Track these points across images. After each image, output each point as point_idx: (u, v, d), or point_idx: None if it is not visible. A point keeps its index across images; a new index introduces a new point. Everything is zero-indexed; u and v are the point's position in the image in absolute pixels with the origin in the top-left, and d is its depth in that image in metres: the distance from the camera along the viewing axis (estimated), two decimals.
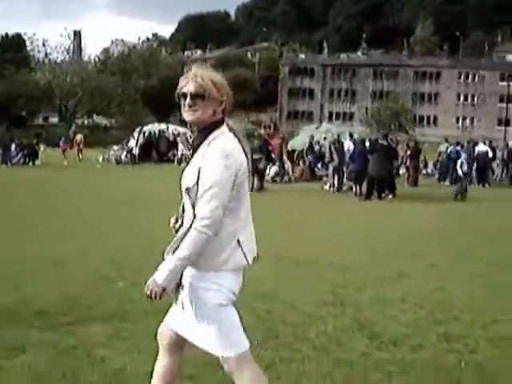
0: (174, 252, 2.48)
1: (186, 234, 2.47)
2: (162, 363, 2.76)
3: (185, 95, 2.56)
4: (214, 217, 2.44)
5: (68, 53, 55.99)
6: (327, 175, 21.65)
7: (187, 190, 2.54)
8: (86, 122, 48.53)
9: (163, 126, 31.00)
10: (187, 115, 2.59)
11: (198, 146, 2.59)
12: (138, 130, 30.30)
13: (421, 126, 58.27)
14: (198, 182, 2.49)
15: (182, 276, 2.56)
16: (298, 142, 28.91)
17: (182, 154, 29.30)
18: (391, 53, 74.23)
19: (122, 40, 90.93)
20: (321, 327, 4.95)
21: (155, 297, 2.49)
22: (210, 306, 2.54)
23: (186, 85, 2.58)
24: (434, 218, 12.50)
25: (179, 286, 2.59)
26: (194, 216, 2.48)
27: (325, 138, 25.98)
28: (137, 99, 44.29)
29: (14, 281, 6.04)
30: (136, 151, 28.84)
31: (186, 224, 2.53)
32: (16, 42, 50.51)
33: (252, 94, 72.64)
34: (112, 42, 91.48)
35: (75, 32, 76.50)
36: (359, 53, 75.04)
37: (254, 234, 2.74)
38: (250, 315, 5.10)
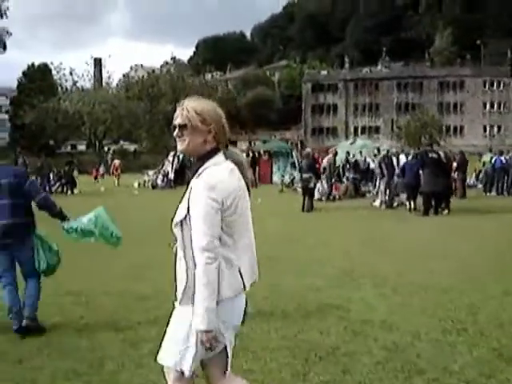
0: (193, 297, 2.51)
1: (193, 275, 2.51)
2: None
3: (174, 127, 2.65)
4: (211, 248, 2.47)
5: (90, 80, 56.69)
6: (371, 191, 21.45)
7: (177, 224, 2.58)
8: (112, 148, 48.80)
9: None
10: (178, 145, 2.67)
11: (193, 176, 2.63)
12: (172, 153, 30.21)
13: (448, 136, 57.75)
14: (189, 216, 2.53)
15: None
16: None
17: None
18: (410, 64, 74.01)
19: (142, 65, 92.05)
20: (459, 358, 4.63)
21: (213, 344, 2.49)
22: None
23: (177, 117, 2.65)
24: (503, 231, 12.11)
25: None
26: (190, 249, 2.54)
27: (361, 153, 25.73)
28: (163, 124, 44.42)
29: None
30: (172, 175, 28.71)
31: (181, 257, 2.60)
32: (42, 71, 51.12)
33: (275, 113, 72.91)
34: (131, 67, 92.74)
35: (95, 59, 77.49)
36: (379, 66, 74.89)
37: (256, 260, 2.80)
38: (379, 349, 4.81)
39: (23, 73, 52.80)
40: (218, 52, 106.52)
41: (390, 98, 65.96)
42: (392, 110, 65.24)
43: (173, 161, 29.59)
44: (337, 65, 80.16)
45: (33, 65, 53.06)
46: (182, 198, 2.64)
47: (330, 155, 21.58)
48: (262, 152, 30.83)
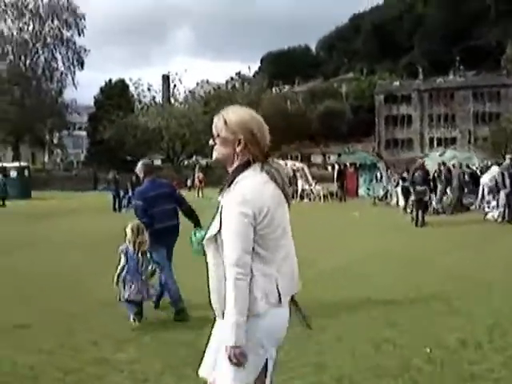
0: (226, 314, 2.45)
1: (224, 289, 2.46)
2: None
3: (213, 136, 2.62)
4: (242, 264, 2.41)
5: (163, 96, 57.47)
6: (473, 204, 20.25)
7: (210, 238, 2.53)
8: (186, 162, 48.96)
9: (281, 162, 30.30)
10: (213, 154, 2.65)
11: (225, 187, 2.56)
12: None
13: None
14: (221, 231, 2.48)
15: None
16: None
17: (302, 190, 28.58)
18: (482, 73, 71.56)
19: (207, 81, 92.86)
20: None
21: (240, 360, 2.44)
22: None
23: (214, 126, 2.61)
24: None
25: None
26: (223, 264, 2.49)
27: (454, 166, 24.50)
28: None
29: None
30: None
31: (214, 273, 2.56)
32: (119, 88, 52.07)
33: (345, 125, 71.80)
34: (197, 83, 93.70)
35: (163, 76, 78.80)
36: (451, 76, 72.71)
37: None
38: None
39: (101, 89, 54.03)
40: (283, 66, 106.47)
41: (466, 108, 63.79)
42: (468, 120, 63.01)
43: None
44: (405, 76, 78.50)
45: (110, 81, 54.18)
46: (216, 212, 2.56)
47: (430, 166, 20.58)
48: (348, 164, 29.94)
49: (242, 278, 2.41)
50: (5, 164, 34.89)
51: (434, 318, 6.28)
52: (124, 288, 6.11)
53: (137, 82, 45.62)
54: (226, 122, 2.55)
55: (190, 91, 59.46)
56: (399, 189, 23.20)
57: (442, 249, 11.53)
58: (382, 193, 24.86)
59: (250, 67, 73.82)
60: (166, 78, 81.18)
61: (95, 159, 48.57)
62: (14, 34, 45.44)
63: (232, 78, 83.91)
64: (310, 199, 27.90)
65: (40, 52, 46.79)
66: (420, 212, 15.39)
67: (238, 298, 2.41)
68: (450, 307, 6.67)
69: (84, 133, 59.33)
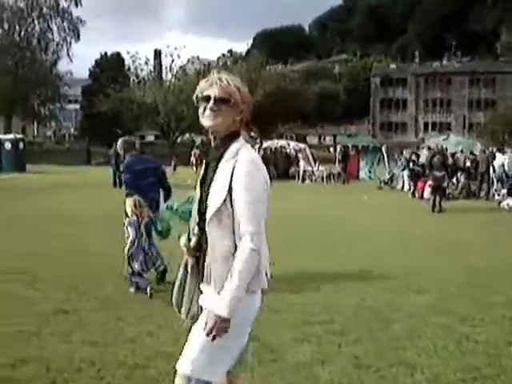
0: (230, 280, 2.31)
1: (230, 261, 2.32)
2: None
3: (208, 98, 2.42)
4: (258, 233, 2.32)
5: (154, 71, 56.39)
6: (483, 190, 20.06)
7: (218, 209, 2.34)
8: (179, 139, 48.17)
9: (283, 142, 29.97)
10: (207, 120, 2.43)
11: (220, 157, 2.42)
12: (257, 146, 29.30)
13: None
14: (230, 198, 2.33)
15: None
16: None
17: (304, 171, 28.21)
18: (476, 59, 71.30)
19: (198, 57, 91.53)
20: None
21: (221, 335, 2.32)
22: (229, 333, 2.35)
23: (210, 87, 2.42)
24: None
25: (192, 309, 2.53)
26: (235, 235, 2.36)
27: (462, 151, 24.31)
28: None
29: None
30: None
31: (219, 247, 2.38)
32: (115, 61, 51.00)
33: (339, 107, 71.39)
34: (188, 60, 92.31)
35: (155, 51, 77.59)
36: (445, 61, 72.38)
37: None
38: None
39: (96, 62, 52.87)
40: (275, 45, 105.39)
41: (461, 93, 63.52)
42: (464, 106, 62.82)
43: (257, 153, 28.65)
44: (399, 59, 78.07)
45: (105, 54, 53.04)
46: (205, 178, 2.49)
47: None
48: (350, 146, 29.60)
49: (256, 250, 2.31)
50: None
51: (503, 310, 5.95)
52: (132, 261, 6.37)
53: (134, 56, 44.57)
54: (239, 89, 2.45)
55: (180, 67, 58.42)
56: (405, 172, 23.01)
57: (483, 236, 11.28)
58: (387, 176, 24.54)
59: (248, 44, 71.93)
60: (157, 53, 79.99)
61: (88, 133, 47.65)
62: (10, 2, 44.24)
63: (223, 55, 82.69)
64: (311, 180, 27.55)
65: (36, 22, 45.59)
66: (438, 198, 15.07)
67: (249, 272, 2.32)
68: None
69: (75, 106, 58.18)
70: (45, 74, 46.45)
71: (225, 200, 2.35)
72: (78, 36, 47.23)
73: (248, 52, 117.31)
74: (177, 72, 48.11)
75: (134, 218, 6.42)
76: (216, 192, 2.39)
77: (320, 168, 27.93)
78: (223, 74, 2.48)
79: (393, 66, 68.69)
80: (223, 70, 2.49)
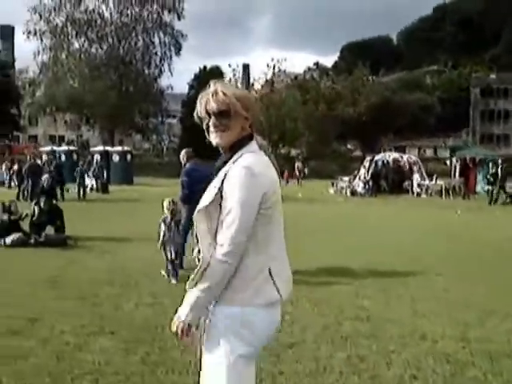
0: (196, 285, 2.25)
1: (207, 264, 2.23)
2: None
3: (208, 115, 2.32)
4: (234, 243, 2.20)
5: (243, 85, 56.52)
6: None
7: (201, 210, 2.28)
8: (299, 151, 47.68)
9: (396, 155, 28.94)
10: (214, 137, 2.33)
11: (224, 164, 2.32)
12: (368, 159, 28.50)
13: None
14: (219, 203, 2.25)
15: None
16: None
17: (418, 185, 27.07)
18: None
19: (285, 71, 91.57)
20: None
21: (181, 333, 2.24)
22: (227, 357, 2.25)
23: (207, 103, 2.31)
24: None
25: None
26: (215, 242, 2.26)
27: None
28: (337, 128, 42.81)
29: None
30: (371, 182, 26.93)
31: (205, 252, 2.28)
32: (214, 74, 51.47)
33: (433, 118, 69.09)
34: (274, 73, 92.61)
35: (244, 65, 78.29)
36: None
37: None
38: None
39: (195, 76, 53.64)
40: (363, 57, 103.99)
41: None
42: None
43: (369, 166, 27.82)
44: (495, 69, 74.95)
45: (205, 68, 53.69)
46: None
47: None
48: (468, 159, 28.15)
49: (227, 261, 2.20)
50: (107, 148, 34.74)
51: None
52: (165, 250, 7.59)
53: (235, 69, 44.78)
54: (237, 98, 2.31)
55: (267, 80, 58.41)
56: None
57: None
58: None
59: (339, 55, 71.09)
60: (246, 67, 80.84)
61: (187, 146, 48.03)
62: (114, 17, 45.43)
63: (309, 69, 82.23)
64: (429, 194, 26.35)
65: (139, 36, 46.58)
66: None
67: (214, 282, 2.21)
68: None
69: (171, 120, 59.18)
70: (148, 89, 47.48)
71: (211, 201, 2.27)
72: (180, 50, 47.92)
73: (335, 64, 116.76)
74: (262, 86, 47.90)
75: (167, 215, 7.61)
76: (207, 194, 2.32)
77: (438, 182, 26.68)
78: (218, 86, 2.33)
79: (493, 76, 65.77)
80: (220, 81, 2.35)
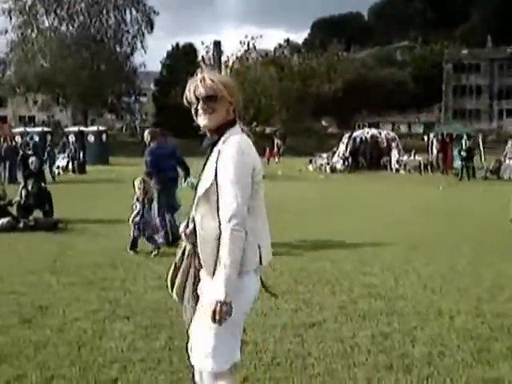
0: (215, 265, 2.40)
1: (219, 242, 2.39)
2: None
3: (196, 99, 2.53)
4: (240, 214, 2.38)
5: (214, 62, 55.78)
6: None
7: (205, 192, 2.48)
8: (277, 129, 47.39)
9: (374, 131, 28.99)
10: (202, 119, 2.55)
11: (213, 145, 2.54)
12: (347, 135, 28.53)
13: None
14: (216, 182, 2.44)
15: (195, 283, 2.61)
16: None
17: (397, 161, 27.23)
18: None
19: (255, 47, 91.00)
20: None
21: (224, 319, 2.36)
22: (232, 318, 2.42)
23: (196, 89, 2.53)
24: None
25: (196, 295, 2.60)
26: (218, 217, 2.43)
27: None
28: (313, 105, 42.61)
29: None
30: (350, 159, 27.01)
31: (208, 228, 2.48)
32: (187, 52, 50.74)
33: (406, 94, 69.44)
34: (245, 50, 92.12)
35: (215, 42, 77.18)
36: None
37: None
38: None
39: (168, 53, 52.71)
40: (334, 33, 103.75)
41: None
42: None
43: (348, 143, 27.86)
44: (464, 45, 75.38)
45: (177, 45, 52.82)
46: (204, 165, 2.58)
47: None
48: (445, 135, 28.33)
49: (239, 230, 2.37)
50: (82, 128, 34.06)
51: None
52: (136, 227, 7.97)
53: (208, 47, 44.15)
54: (223, 83, 2.53)
55: (237, 57, 57.97)
56: None
57: None
58: (496, 165, 23.32)
59: (309, 32, 70.91)
60: (217, 44, 79.68)
61: (162, 126, 47.47)
62: None
63: (280, 46, 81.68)
64: (407, 170, 26.54)
65: (111, 14, 45.49)
66: None
67: (235, 251, 2.36)
68: None
69: (143, 98, 58.20)
70: (120, 67, 46.50)
71: (211, 184, 2.46)
72: (152, 27, 46.97)
73: (306, 41, 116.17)
74: (233, 63, 47.51)
75: (140, 194, 7.92)
76: (205, 176, 2.52)
77: (416, 157, 26.88)
78: (206, 73, 2.56)
79: (464, 51, 66.15)
80: (207, 70, 2.58)
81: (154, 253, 7.82)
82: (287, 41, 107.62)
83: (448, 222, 11.43)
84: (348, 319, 5.18)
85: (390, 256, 8.02)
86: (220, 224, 2.43)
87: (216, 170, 2.46)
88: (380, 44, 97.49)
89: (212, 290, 2.42)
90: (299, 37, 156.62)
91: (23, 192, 10.64)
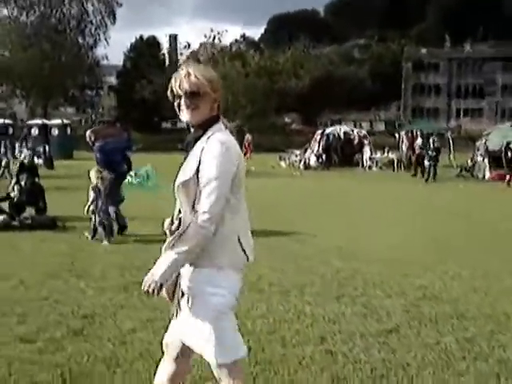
0: (172, 248, 2.44)
1: (185, 228, 2.43)
2: (167, 371, 2.77)
3: (179, 95, 2.53)
4: (213, 211, 2.40)
5: (170, 57, 54.78)
6: None
7: (184, 183, 2.49)
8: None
9: (347, 129, 29.03)
10: (185, 115, 2.56)
11: (196, 140, 2.54)
12: (319, 132, 28.47)
13: None
14: (197, 175, 2.45)
15: (178, 278, 2.60)
16: (494, 143, 26.12)
17: (369, 158, 27.34)
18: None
19: (212, 43, 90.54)
20: None
21: (152, 293, 2.44)
22: (214, 313, 2.51)
23: (180, 84, 2.53)
24: None
25: (176, 288, 2.62)
26: (194, 210, 2.45)
27: None
28: (277, 101, 42.35)
29: None
30: (324, 155, 26.96)
31: (187, 219, 2.49)
32: (151, 44, 49.69)
33: (364, 92, 70.13)
34: (201, 44, 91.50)
35: (171, 36, 76.37)
36: (468, 46, 70.99)
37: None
38: None
39: (131, 46, 51.49)
40: (290, 30, 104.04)
41: (494, 78, 62.27)
42: (497, 91, 61.56)
43: (320, 139, 27.79)
44: (420, 43, 76.72)
45: (141, 38, 51.70)
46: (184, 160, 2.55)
47: None
48: (415, 133, 28.58)
49: (206, 227, 2.39)
50: (45, 121, 32.88)
51: None
52: (95, 215, 8.41)
53: (172, 40, 43.33)
54: (207, 79, 2.52)
55: (191, 52, 57.51)
56: (486, 160, 22.51)
57: None
58: (470, 164, 23.62)
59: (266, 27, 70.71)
60: (173, 39, 78.82)
61: (124, 120, 46.45)
62: None
63: (236, 41, 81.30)
64: (378, 167, 26.68)
65: (73, 4, 44.01)
66: None
67: (192, 245, 2.40)
68: None
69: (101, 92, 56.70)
70: (82, 59, 45.16)
71: (191, 178, 2.46)
72: (115, 19, 45.81)
73: (262, 37, 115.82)
74: (187, 58, 46.98)
75: (97, 183, 8.39)
76: (185, 169, 2.51)
77: (390, 155, 27.06)
78: (191, 68, 2.55)
79: (423, 50, 67.26)
80: (195, 63, 2.72)
81: (104, 242, 8.27)
82: (243, 36, 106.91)
83: (452, 222, 11.40)
84: (421, 324, 4.94)
85: (420, 256, 7.83)
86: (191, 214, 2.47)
87: (198, 165, 2.45)
88: (336, 41, 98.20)
89: (195, 283, 2.51)
90: (253, 33, 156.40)
91: (16, 188, 9.98)
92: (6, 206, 10.00)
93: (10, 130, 30.30)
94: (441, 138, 27.48)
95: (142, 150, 37.32)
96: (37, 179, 10.59)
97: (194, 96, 2.50)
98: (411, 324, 4.92)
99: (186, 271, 2.55)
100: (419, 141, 24.78)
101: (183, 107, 2.53)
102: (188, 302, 2.56)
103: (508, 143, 21.49)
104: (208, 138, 2.50)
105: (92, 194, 8.39)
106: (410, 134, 27.82)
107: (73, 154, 31.61)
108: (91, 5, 45.08)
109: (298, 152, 28.52)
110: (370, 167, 26.96)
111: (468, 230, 10.33)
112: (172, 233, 2.59)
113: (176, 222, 2.62)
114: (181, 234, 2.43)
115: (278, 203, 13.92)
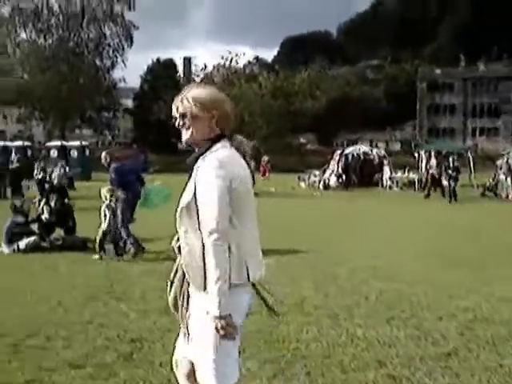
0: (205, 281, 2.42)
1: (203, 257, 2.42)
2: None
3: (176, 117, 2.63)
4: (219, 228, 2.39)
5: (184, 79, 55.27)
6: None
7: (187, 205, 2.51)
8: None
9: (366, 149, 28.92)
10: (182, 135, 2.64)
11: (195, 160, 2.57)
12: (338, 152, 28.37)
13: None
14: (195, 197, 2.48)
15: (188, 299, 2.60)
16: None
17: (390, 178, 27.14)
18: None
19: (224, 65, 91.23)
20: None
21: (229, 332, 2.39)
22: (216, 337, 2.44)
23: (178, 106, 2.63)
24: None
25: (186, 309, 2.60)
26: (200, 231, 2.46)
27: None
28: (295, 122, 42.41)
29: None
30: (344, 175, 26.82)
31: (194, 240, 2.50)
32: (168, 66, 50.09)
33: (379, 112, 70.17)
34: (214, 66, 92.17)
35: (185, 58, 77.05)
36: (482, 65, 70.89)
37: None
38: None
39: (148, 68, 51.93)
40: (303, 51, 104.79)
41: (509, 97, 62.05)
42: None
43: (339, 159, 27.67)
44: (435, 64, 76.80)
45: (158, 60, 52.15)
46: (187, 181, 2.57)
47: None
48: (432, 153, 28.37)
49: (220, 244, 2.38)
50: (64, 143, 33.11)
51: None
52: (110, 233, 8.60)
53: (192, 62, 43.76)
54: (195, 100, 2.56)
55: (206, 74, 57.96)
56: (509, 179, 22.28)
57: None
58: (492, 183, 23.34)
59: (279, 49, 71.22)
60: (187, 61, 79.52)
61: (141, 141, 46.74)
62: (62, 7, 43.21)
63: (249, 62, 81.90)
64: (399, 187, 26.45)
65: (91, 27, 44.59)
66: None
67: (220, 265, 2.37)
68: None
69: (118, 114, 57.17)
70: (100, 81, 45.59)
71: (191, 199, 2.48)
72: (132, 41, 46.29)
73: (275, 58, 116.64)
74: (201, 80, 47.32)
75: (111, 201, 8.63)
76: (186, 192, 2.54)
77: (411, 175, 26.87)
78: (186, 91, 2.63)
79: (438, 71, 67.24)
80: (194, 85, 2.75)
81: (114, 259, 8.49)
82: (256, 58, 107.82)
83: (485, 243, 11.19)
84: (479, 347, 4.78)
85: (459, 277, 7.66)
86: (200, 239, 2.46)
87: (195, 185, 2.49)
88: (348, 62, 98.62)
89: (203, 305, 2.46)
90: (265, 54, 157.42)
91: (45, 208, 9.95)
92: (35, 226, 9.95)
93: (29, 152, 30.53)
94: (458, 158, 27.38)
95: (158, 172, 37.91)
96: (66, 200, 10.53)
97: (184, 117, 2.59)
98: (469, 347, 4.77)
99: (194, 292, 2.57)
100: (433, 161, 24.47)
101: (180, 127, 2.63)
102: (194, 323, 2.56)
103: None
104: (205, 156, 2.53)
105: (107, 213, 8.57)
106: (428, 154, 27.59)
107: (91, 176, 31.71)
108: (108, 28, 45.68)
109: (317, 172, 28.37)
110: (390, 187, 26.73)
111: (504, 252, 10.12)
112: (178, 249, 2.61)
113: (182, 241, 2.61)
114: (204, 263, 2.43)
115: (301, 223, 13.80)
